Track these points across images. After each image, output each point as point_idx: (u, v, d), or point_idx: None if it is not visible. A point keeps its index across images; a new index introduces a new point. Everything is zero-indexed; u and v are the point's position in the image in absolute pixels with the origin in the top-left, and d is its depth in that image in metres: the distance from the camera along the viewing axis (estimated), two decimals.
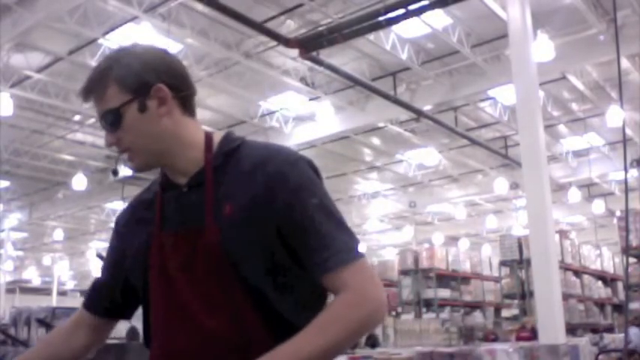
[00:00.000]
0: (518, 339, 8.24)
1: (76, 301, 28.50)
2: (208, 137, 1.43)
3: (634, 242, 8.80)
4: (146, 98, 1.36)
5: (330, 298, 1.35)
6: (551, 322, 6.79)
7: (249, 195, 1.33)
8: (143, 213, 1.47)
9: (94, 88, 1.39)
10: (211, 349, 1.31)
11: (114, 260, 1.53)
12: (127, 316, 1.59)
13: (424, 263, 13.18)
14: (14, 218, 21.81)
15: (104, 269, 1.57)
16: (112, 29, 9.84)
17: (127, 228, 1.51)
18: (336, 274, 1.28)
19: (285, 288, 1.33)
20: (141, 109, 1.36)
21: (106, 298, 1.54)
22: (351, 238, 1.33)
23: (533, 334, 7.68)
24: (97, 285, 1.57)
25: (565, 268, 10.54)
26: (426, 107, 12.41)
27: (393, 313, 13.72)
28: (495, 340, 8.56)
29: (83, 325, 1.56)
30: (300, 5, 9.55)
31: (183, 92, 1.41)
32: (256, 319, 1.30)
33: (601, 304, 12.44)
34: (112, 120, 1.37)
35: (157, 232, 1.40)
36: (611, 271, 13.37)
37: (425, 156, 16.34)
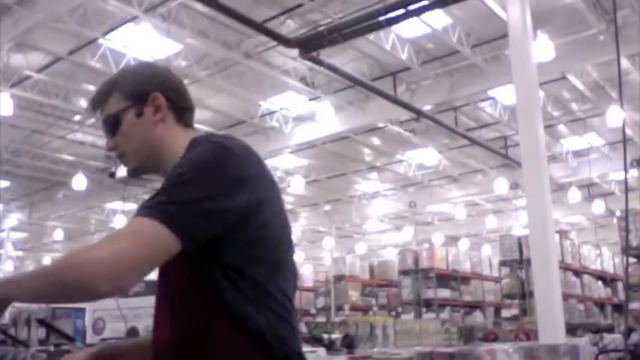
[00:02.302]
0: (516, 339, 8.24)
1: None
2: (189, 144, 1.48)
3: (634, 242, 8.78)
4: (143, 105, 1.51)
5: None
6: (551, 322, 6.79)
7: None
8: None
9: (99, 97, 1.55)
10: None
11: None
12: None
13: (424, 263, 13.19)
14: (14, 218, 21.81)
15: None
16: (112, 29, 9.83)
17: None
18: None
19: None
20: (138, 113, 1.51)
21: None
22: (165, 201, 1.26)
23: (534, 336, 7.68)
24: None
25: (565, 268, 10.53)
26: (426, 107, 12.40)
27: (393, 313, 13.73)
28: (495, 340, 8.54)
29: None
30: (300, 5, 9.55)
31: (177, 104, 1.55)
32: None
33: (601, 304, 12.44)
34: (111, 124, 1.52)
35: None
36: (611, 271, 13.36)
37: (425, 156, 16.35)
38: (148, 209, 1.25)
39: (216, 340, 1.33)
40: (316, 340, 7.90)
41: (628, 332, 7.83)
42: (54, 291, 1.21)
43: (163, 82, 1.55)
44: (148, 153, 1.52)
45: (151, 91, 1.51)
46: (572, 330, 9.40)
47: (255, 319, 1.33)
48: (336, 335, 10.28)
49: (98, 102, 1.55)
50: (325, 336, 9.70)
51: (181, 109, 1.56)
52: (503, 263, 11.70)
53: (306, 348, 6.34)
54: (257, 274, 1.35)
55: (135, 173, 1.56)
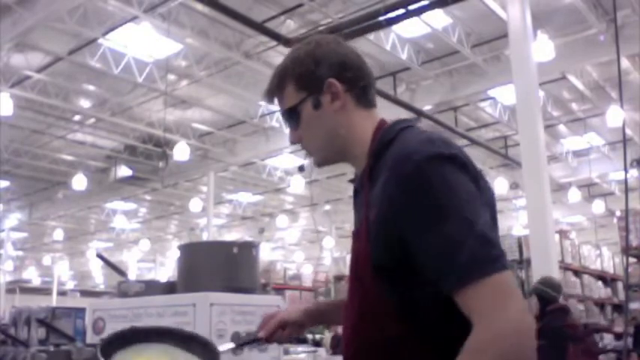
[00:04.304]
0: None
1: (76, 301, 28.54)
2: (377, 131, 1.36)
3: (634, 242, 8.78)
4: (319, 94, 1.37)
5: None
6: None
7: (381, 201, 1.23)
8: None
9: (274, 89, 1.43)
10: (350, 350, 1.32)
11: None
12: None
13: None
14: (14, 218, 21.82)
15: None
16: (112, 29, 9.84)
17: None
18: (457, 295, 1.13)
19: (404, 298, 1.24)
20: (315, 105, 1.37)
21: None
22: (473, 249, 1.11)
23: None
24: None
25: (565, 268, 10.50)
26: (426, 107, 12.40)
27: None
28: None
29: None
30: (300, 5, 9.55)
31: (357, 84, 1.39)
32: (387, 326, 1.23)
33: (601, 304, 12.42)
34: (291, 119, 1.42)
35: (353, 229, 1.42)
36: (611, 271, 13.34)
37: None
38: (477, 266, 1.11)
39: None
40: (299, 341, 7.39)
41: (633, 333, 7.83)
42: None
43: (338, 64, 1.37)
44: (331, 145, 1.41)
45: (325, 77, 1.36)
46: None
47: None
48: (322, 335, 10.18)
49: (273, 94, 1.44)
50: (310, 336, 9.59)
51: (361, 88, 1.39)
52: None
53: (305, 348, 6.31)
54: None
55: (323, 165, 1.47)
